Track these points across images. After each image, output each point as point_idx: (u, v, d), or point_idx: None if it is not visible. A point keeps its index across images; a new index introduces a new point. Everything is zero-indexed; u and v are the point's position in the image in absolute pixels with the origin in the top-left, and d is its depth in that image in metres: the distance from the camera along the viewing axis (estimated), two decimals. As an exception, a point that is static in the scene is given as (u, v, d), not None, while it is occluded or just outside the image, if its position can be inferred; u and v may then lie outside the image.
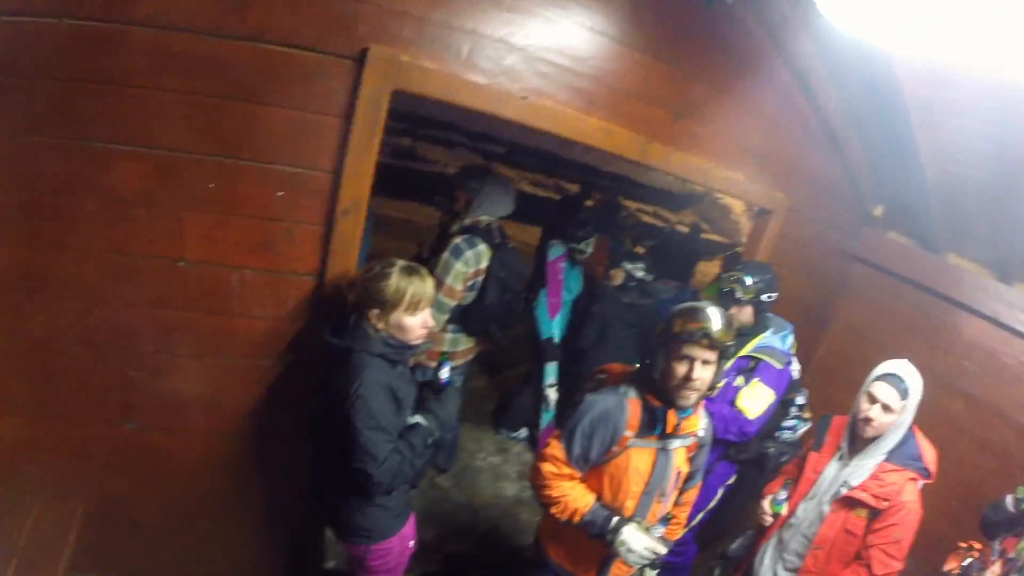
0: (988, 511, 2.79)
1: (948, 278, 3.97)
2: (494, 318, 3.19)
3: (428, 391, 2.22)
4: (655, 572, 2.44)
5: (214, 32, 1.84)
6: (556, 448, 2.05)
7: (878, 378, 2.26)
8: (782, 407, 3.09)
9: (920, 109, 3.00)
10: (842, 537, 2.33)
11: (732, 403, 2.85)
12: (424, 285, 2.01)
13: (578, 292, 4.37)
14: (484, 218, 3.15)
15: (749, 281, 2.93)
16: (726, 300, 2.96)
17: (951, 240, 3.91)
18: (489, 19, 2.19)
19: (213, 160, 1.96)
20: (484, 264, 3.10)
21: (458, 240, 3.06)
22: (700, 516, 3.15)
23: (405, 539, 2.29)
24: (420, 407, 2.16)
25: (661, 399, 1.99)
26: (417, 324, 2.02)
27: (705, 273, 7.27)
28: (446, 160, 7.06)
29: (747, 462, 3.14)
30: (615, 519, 2.00)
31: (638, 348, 3.38)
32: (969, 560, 2.73)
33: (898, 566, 2.26)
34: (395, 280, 1.95)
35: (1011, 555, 2.57)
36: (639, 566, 2.06)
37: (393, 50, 2.01)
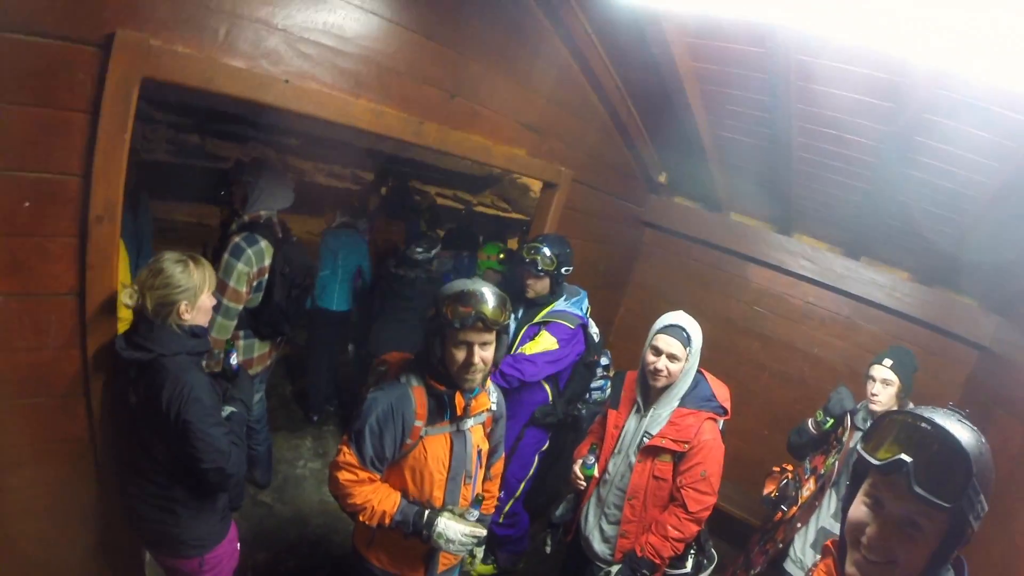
0: (792, 436, 3.03)
1: (733, 234, 4.36)
2: (285, 317, 3.00)
3: (224, 381, 2.23)
4: (482, 549, 2.40)
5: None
6: (348, 455, 1.90)
7: (660, 331, 2.34)
8: (588, 369, 3.18)
9: (694, 81, 3.21)
10: (653, 484, 2.39)
11: None
12: (207, 264, 2.05)
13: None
14: (263, 212, 2.94)
15: (548, 253, 2.97)
16: (526, 271, 3.00)
17: (732, 200, 4.28)
18: (249, -2, 2.02)
19: (-51, 172, 1.63)
20: (267, 262, 2.89)
21: (237, 239, 2.82)
22: (522, 486, 3.18)
23: (233, 542, 2.26)
24: (224, 399, 2.15)
25: (445, 383, 1.92)
26: (210, 303, 2.06)
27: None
28: (238, 155, 6.60)
29: (560, 426, 3.20)
30: (427, 512, 1.92)
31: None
32: (785, 481, 2.95)
33: (711, 499, 2.35)
34: (189, 267, 1.95)
35: (822, 471, 2.79)
36: (463, 553, 1.99)
37: (142, 34, 1.78)
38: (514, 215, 9.89)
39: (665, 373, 2.30)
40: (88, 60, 1.72)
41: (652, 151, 4.18)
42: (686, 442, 2.30)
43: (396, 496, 1.94)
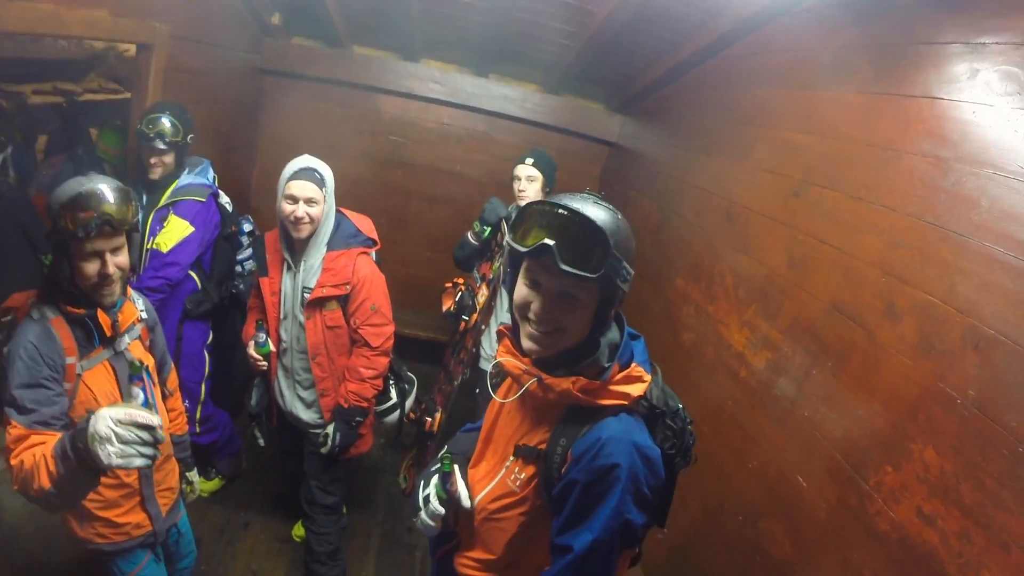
0: (456, 251, 3.21)
1: (359, 68, 4.21)
2: None
3: None
4: (194, 472, 2.21)
5: None
6: (13, 429, 1.47)
7: (292, 177, 2.17)
8: (229, 242, 2.94)
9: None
10: (329, 335, 2.36)
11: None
12: None
13: None
14: None
15: (169, 123, 2.59)
16: (149, 148, 2.61)
17: (353, 34, 4.06)
18: None
19: None
20: None
21: None
22: (203, 387, 2.97)
23: None
24: None
25: (83, 305, 1.63)
26: None
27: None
28: None
29: (221, 311, 3.00)
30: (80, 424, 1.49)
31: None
32: (460, 293, 3.18)
33: (389, 328, 2.42)
34: None
35: (491, 276, 3.04)
36: (132, 455, 1.35)
37: None
38: (127, 95, 8.10)
39: (307, 220, 2.17)
40: None
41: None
42: (346, 283, 2.28)
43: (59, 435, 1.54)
